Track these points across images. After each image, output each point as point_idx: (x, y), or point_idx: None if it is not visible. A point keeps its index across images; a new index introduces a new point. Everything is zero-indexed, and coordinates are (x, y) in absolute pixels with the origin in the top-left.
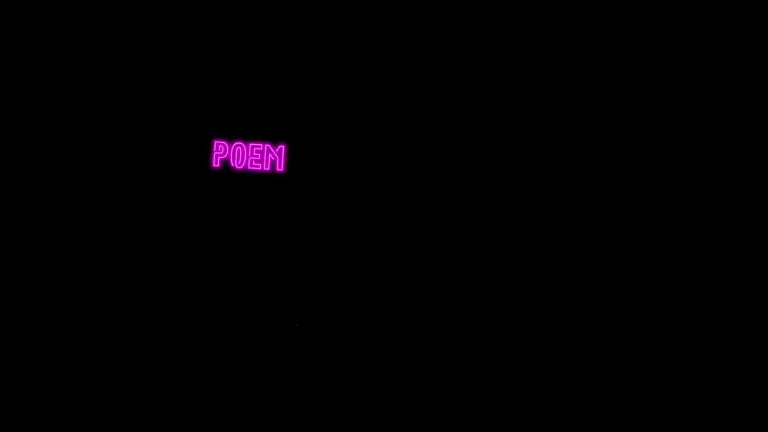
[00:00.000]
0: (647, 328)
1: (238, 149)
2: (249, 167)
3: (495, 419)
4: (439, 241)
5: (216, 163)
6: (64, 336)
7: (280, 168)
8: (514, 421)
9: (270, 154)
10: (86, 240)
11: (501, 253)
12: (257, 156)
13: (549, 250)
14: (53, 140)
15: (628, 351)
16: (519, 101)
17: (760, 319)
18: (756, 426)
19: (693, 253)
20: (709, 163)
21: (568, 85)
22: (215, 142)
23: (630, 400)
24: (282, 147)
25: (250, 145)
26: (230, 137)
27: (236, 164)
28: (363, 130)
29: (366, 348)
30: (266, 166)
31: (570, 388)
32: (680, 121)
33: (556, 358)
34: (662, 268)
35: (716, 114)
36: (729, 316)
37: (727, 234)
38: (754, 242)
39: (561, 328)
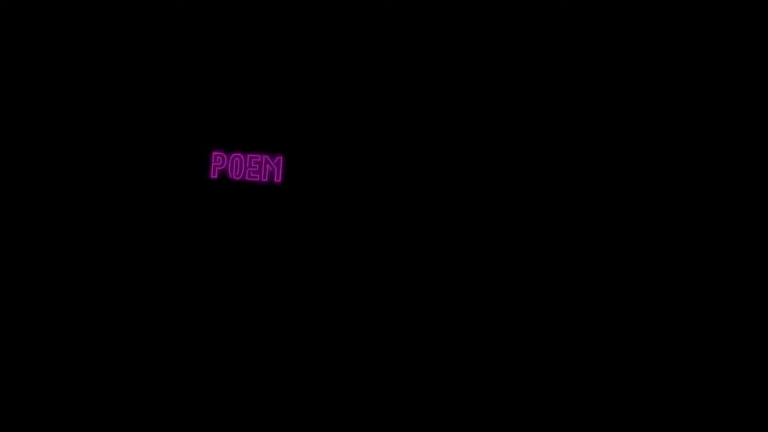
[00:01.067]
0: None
1: (236, 160)
2: (247, 178)
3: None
4: (439, 248)
5: (214, 174)
6: (58, 347)
7: (278, 179)
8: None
9: (268, 165)
10: (80, 251)
11: (501, 265)
12: (255, 167)
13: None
14: (44, 147)
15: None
16: (521, 110)
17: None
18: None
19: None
20: (710, 163)
21: (569, 90)
22: (213, 153)
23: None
24: (280, 158)
25: (249, 156)
26: (228, 149)
27: (234, 175)
28: (362, 141)
29: (366, 353)
30: (264, 177)
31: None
32: (682, 122)
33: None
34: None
35: (718, 114)
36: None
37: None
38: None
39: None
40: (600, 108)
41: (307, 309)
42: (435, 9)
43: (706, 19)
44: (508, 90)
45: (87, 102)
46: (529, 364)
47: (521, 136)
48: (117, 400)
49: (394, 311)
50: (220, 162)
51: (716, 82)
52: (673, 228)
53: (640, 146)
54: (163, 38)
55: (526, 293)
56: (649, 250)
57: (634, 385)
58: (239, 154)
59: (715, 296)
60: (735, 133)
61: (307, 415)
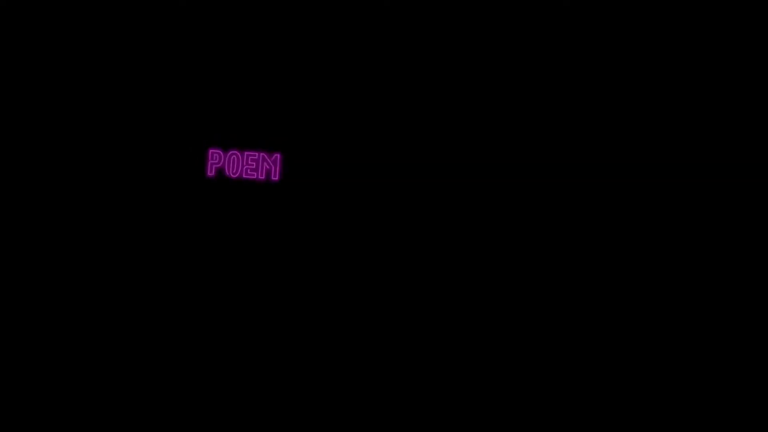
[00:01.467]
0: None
1: (234, 158)
2: (244, 176)
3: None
4: (438, 249)
5: (211, 172)
6: (52, 348)
7: (276, 177)
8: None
9: (265, 163)
10: (75, 249)
11: (502, 263)
12: (252, 165)
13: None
14: (40, 145)
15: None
16: (521, 110)
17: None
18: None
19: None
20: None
21: (569, 90)
22: (210, 151)
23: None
24: (277, 156)
25: (246, 154)
26: (225, 146)
27: (231, 173)
28: (361, 140)
29: (363, 354)
30: (261, 175)
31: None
32: (682, 122)
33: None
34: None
35: (720, 115)
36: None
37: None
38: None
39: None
40: (600, 108)
41: (304, 309)
42: (435, 8)
43: (706, 19)
44: (508, 90)
45: (83, 100)
46: (528, 364)
47: (521, 136)
48: (112, 401)
49: (393, 312)
50: (217, 160)
51: (716, 82)
52: (673, 229)
53: (640, 146)
54: (160, 36)
55: (526, 294)
56: (649, 251)
57: (633, 387)
58: (236, 152)
59: (716, 297)
60: (735, 133)
61: (301, 416)
